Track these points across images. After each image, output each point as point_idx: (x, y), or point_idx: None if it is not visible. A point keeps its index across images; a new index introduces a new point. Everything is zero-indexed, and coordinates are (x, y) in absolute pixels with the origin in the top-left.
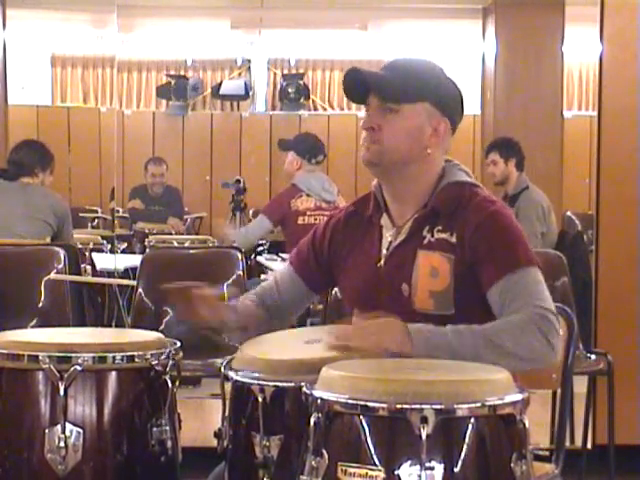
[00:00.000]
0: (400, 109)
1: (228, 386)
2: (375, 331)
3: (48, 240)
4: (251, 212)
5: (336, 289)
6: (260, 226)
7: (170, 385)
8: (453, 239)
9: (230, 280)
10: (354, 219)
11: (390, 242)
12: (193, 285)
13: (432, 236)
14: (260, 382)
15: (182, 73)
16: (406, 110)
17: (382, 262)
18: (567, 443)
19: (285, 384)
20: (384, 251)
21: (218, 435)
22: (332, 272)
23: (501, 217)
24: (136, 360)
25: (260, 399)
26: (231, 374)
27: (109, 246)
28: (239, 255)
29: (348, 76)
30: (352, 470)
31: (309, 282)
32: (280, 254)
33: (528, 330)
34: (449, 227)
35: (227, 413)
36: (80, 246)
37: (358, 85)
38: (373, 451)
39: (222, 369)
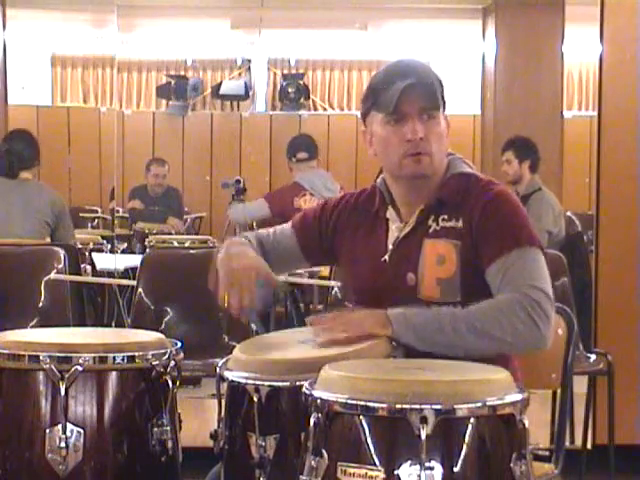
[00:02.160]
0: (437, 115)
1: (225, 386)
2: (356, 320)
3: (47, 239)
4: None
5: (335, 289)
6: (258, 209)
7: (171, 385)
8: (459, 224)
9: None
10: (359, 211)
11: (397, 237)
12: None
13: (437, 225)
14: (255, 382)
15: (182, 73)
16: (440, 115)
17: (387, 256)
18: (567, 443)
19: (280, 384)
20: (390, 246)
21: (214, 436)
22: (334, 255)
23: (506, 197)
24: (137, 360)
25: (255, 399)
26: (226, 374)
27: (109, 246)
28: None
29: (407, 90)
30: (352, 470)
31: (305, 249)
32: None
33: (512, 311)
34: (455, 214)
35: (223, 413)
36: (80, 246)
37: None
38: (373, 451)
39: (218, 369)
